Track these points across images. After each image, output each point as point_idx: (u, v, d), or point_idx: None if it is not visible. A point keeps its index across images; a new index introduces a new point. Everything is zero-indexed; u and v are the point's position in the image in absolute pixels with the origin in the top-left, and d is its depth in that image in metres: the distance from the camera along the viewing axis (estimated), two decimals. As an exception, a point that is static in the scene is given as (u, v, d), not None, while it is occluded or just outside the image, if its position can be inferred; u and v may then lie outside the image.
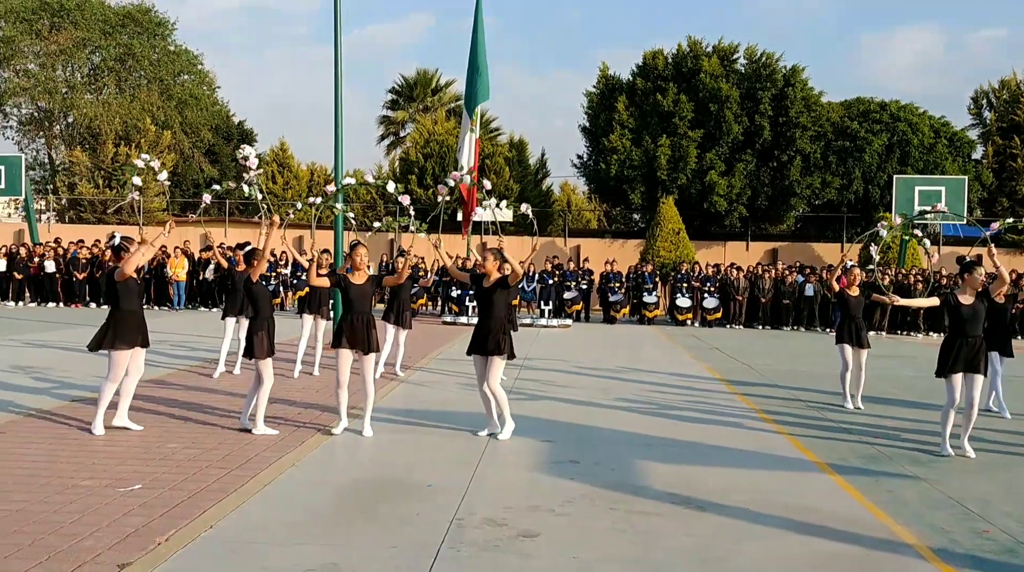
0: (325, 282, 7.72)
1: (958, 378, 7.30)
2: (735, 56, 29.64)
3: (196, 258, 23.39)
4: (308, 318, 11.28)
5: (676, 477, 6.36)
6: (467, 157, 21.17)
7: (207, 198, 9.08)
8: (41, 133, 39.02)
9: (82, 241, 24.16)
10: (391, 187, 8.66)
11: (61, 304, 22.60)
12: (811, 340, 19.07)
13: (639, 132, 29.09)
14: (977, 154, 31.38)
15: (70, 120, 37.49)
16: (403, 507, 5.44)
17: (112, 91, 37.22)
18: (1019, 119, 30.98)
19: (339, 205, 10.88)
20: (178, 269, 22.56)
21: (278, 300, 22.39)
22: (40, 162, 39.64)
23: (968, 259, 7.70)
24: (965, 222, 25.53)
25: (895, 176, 25.11)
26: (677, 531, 5.13)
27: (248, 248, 9.58)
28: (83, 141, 35.92)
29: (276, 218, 7.81)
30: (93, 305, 22.22)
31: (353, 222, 11.71)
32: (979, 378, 7.29)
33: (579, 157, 32.49)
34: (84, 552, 4.44)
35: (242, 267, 9.81)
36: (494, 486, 5.97)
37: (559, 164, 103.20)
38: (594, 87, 31.42)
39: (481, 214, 19.60)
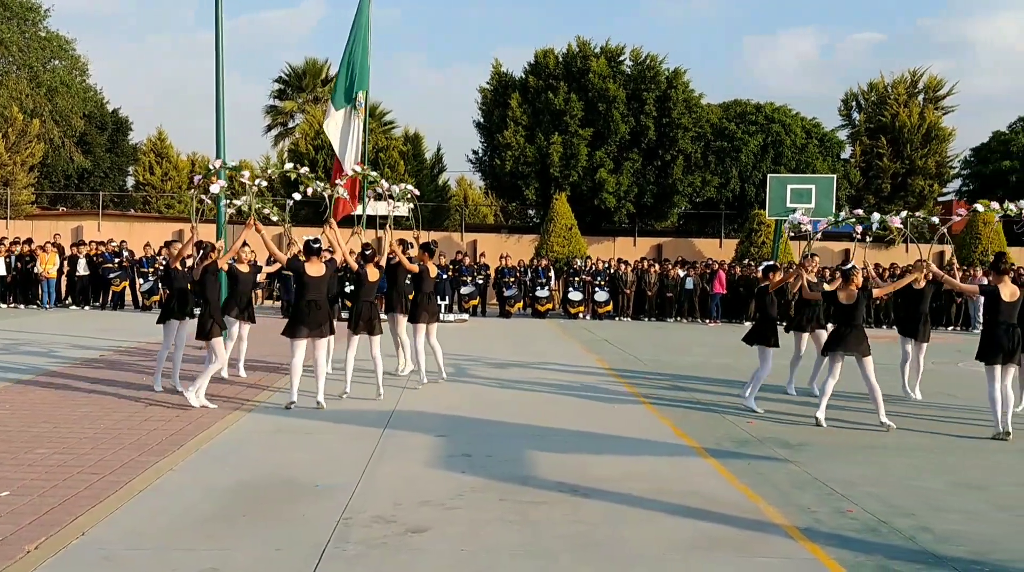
0: (322, 269, 8.58)
1: (838, 358, 8.37)
2: (622, 57, 30.37)
3: (67, 254, 22.14)
4: (232, 321, 10.29)
5: (565, 466, 6.52)
6: (352, 150, 20.66)
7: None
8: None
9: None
10: (289, 166, 8.96)
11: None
12: (692, 331, 19.80)
13: (532, 129, 29.43)
14: (846, 154, 33.27)
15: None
16: (289, 508, 5.36)
17: (-24, 78, 34.76)
18: (886, 120, 33.00)
19: (259, 207, 10.32)
20: (48, 265, 21.29)
21: (157, 297, 21.51)
22: None
23: (850, 265, 8.66)
24: (840, 222, 26.97)
25: (769, 175, 26.31)
26: (564, 518, 5.27)
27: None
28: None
29: (253, 221, 8.65)
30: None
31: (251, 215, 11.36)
32: (865, 360, 8.25)
33: (474, 152, 32.63)
34: (-58, 567, 4.19)
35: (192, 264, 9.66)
36: (384, 483, 5.96)
37: (456, 159, 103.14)
38: (488, 83, 31.57)
39: (376, 208, 19.30)
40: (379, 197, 11.32)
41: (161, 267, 21.09)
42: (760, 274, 9.16)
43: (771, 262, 9.27)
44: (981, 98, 73.58)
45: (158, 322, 9.43)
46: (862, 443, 7.73)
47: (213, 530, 4.95)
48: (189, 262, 9.62)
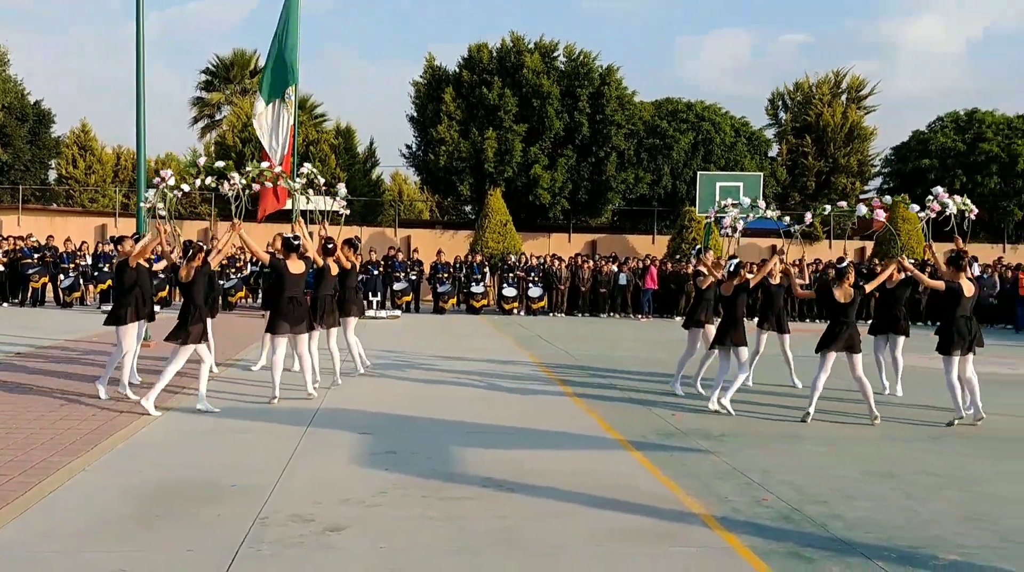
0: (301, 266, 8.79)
1: (831, 355, 8.55)
2: (556, 54, 30.52)
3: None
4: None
5: (492, 462, 6.53)
6: (281, 144, 20.30)
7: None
8: None
9: None
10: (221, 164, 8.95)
11: None
12: (625, 326, 20.06)
13: (466, 124, 29.36)
14: (773, 152, 34.10)
15: None
16: (205, 509, 5.25)
17: None
18: (811, 120, 33.91)
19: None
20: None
21: (78, 293, 20.84)
22: None
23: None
24: (769, 216, 27.66)
25: (699, 173, 26.82)
26: (487, 514, 5.28)
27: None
28: None
29: (236, 222, 8.55)
30: None
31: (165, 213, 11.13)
32: (856, 357, 8.45)
33: (408, 147, 32.40)
34: None
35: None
36: (304, 482, 5.88)
37: (390, 153, 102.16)
38: (421, 77, 31.37)
39: (307, 203, 18.97)
40: (313, 192, 11.27)
41: (96, 263, 20.49)
42: (727, 274, 8.95)
43: (737, 259, 9.17)
44: (902, 98, 76.26)
45: (115, 324, 8.77)
46: (781, 433, 7.94)
47: (125, 531, 4.81)
48: (161, 264, 9.60)
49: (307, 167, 10.76)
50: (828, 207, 10.04)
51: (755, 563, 4.56)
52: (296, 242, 8.82)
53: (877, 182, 34.94)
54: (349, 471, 6.21)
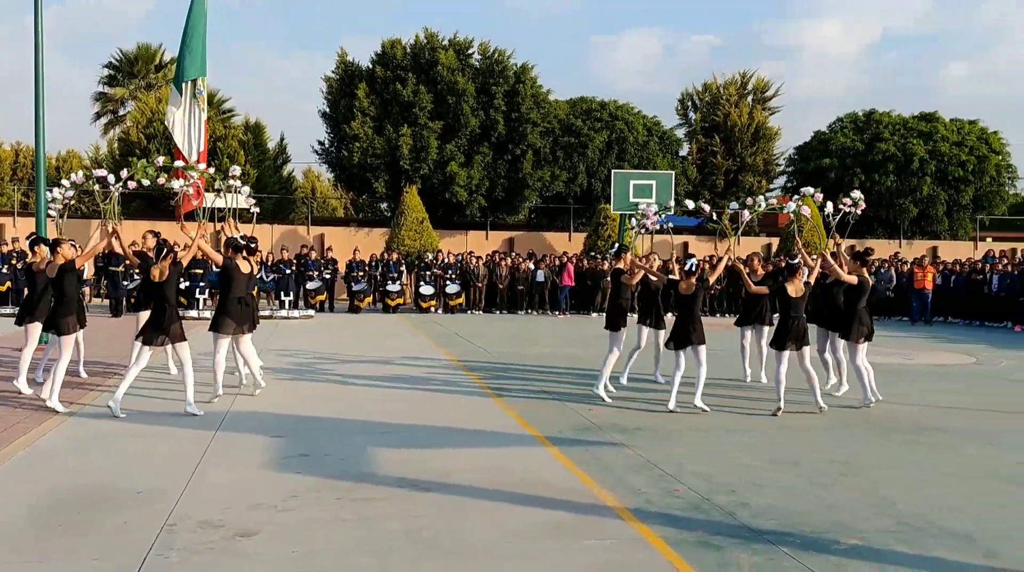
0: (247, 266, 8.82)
1: (786, 349, 8.77)
2: (470, 51, 30.50)
3: None
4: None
5: (406, 461, 6.47)
6: (196, 139, 19.78)
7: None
8: None
9: None
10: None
11: None
12: (542, 323, 20.22)
13: (381, 120, 29.05)
14: (684, 151, 34.93)
15: None
16: (110, 516, 5.04)
17: None
18: (719, 120, 34.90)
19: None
20: None
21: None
22: None
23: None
24: (682, 214, 28.35)
25: (614, 171, 27.26)
26: (401, 514, 5.22)
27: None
28: None
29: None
30: None
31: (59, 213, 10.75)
32: (805, 349, 8.80)
33: (320, 143, 31.82)
34: None
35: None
36: (214, 487, 5.71)
37: (302, 150, 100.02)
38: (334, 72, 30.86)
39: (213, 200, 18.52)
40: (218, 191, 11.04)
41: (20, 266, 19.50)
42: (685, 273, 8.86)
43: (694, 259, 8.97)
44: (805, 99, 79.23)
45: (59, 333, 8.39)
46: (693, 425, 8.13)
47: (24, 542, 4.58)
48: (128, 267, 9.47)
49: (236, 170, 10.50)
50: (763, 202, 10.31)
51: (667, 553, 4.65)
52: (243, 242, 8.93)
53: (782, 180, 36.22)
54: (260, 475, 6.06)
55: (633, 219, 11.53)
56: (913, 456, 7.09)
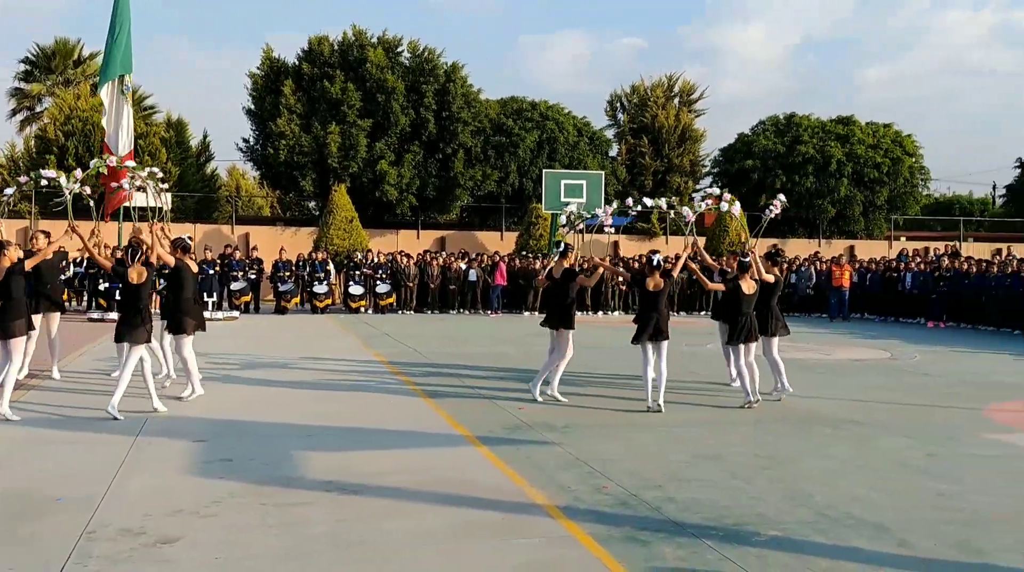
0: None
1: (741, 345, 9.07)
2: (400, 49, 30.28)
3: None
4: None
5: (333, 464, 6.38)
6: (126, 136, 19.15)
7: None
8: None
9: None
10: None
11: None
12: (474, 322, 20.21)
13: (308, 118, 28.59)
14: (613, 152, 35.37)
15: None
16: (26, 525, 4.86)
17: None
18: (647, 121, 35.44)
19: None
20: None
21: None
22: None
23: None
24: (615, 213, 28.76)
25: (544, 170, 27.43)
26: (327, 518, 5.15)
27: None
28: None
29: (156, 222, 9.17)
30: None
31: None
32: (751, 345, 9.12)
33: (245, 141, 31.12)
34: None
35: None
36: (134, 494, 5.53)
37: (227, 147, 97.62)
38: (259, 69, 30.24)
39: (138, 199, 18.07)
40: (140, 188, 10.78)
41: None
42: (657, 271, 8.82)
43: (658, 255, 8.95)
44: (729, 102, 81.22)
45: (5, 337, 7.91)
46: (621, 422, 8.24)
47: (-79, 562, 4.36)
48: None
49: (156, 171, 10.41)
50: (702, 203, 10.63)
51: (595, 549, 4.70)
52: (189, 242, 9.24)
53: (707, 181, 36.98)
54: (182, 481, 5.90)
55: (563, 217, 11.69)
56: (831, 449, 7.32)
